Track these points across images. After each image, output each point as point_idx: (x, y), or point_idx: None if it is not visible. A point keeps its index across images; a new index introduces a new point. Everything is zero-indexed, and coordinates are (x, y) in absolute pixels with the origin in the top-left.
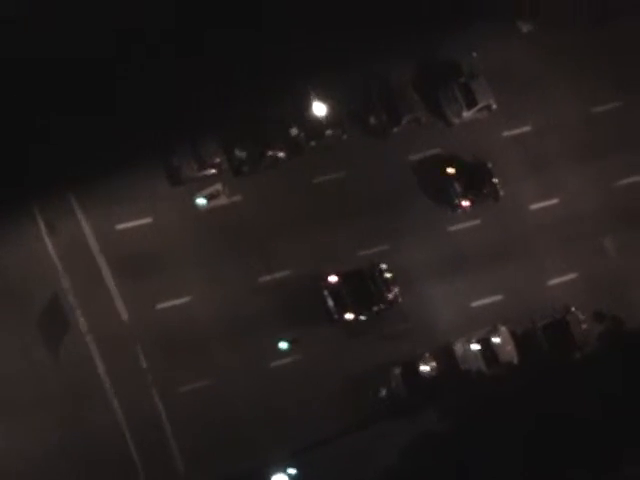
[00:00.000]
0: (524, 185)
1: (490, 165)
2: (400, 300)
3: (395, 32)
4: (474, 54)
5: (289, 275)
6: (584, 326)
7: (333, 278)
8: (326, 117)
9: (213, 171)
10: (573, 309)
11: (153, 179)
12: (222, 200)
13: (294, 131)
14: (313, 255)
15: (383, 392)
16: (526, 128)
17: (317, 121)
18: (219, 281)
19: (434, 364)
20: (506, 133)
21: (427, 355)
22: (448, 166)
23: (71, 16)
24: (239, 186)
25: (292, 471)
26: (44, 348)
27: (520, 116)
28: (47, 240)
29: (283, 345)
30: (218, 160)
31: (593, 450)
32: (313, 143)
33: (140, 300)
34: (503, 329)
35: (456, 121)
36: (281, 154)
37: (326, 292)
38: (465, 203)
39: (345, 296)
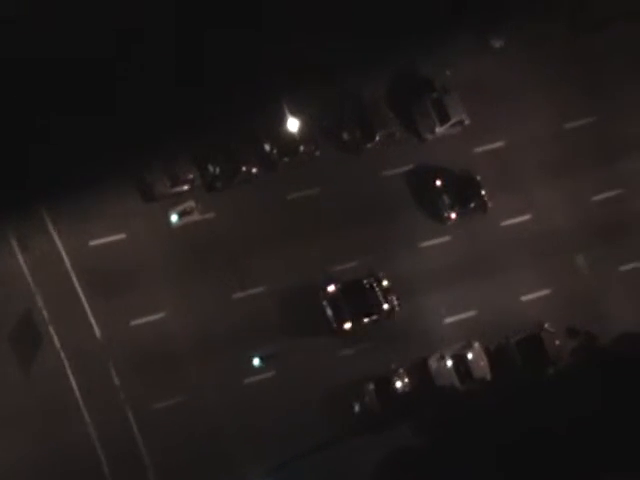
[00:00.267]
0: (497, 201)
1: (479, 178)
2: (397, 309)
3: (368, 47)
4: (447, 72)
5: (263, 291)
6: (557, 342)
7: (331, 288)
8: (299, 133)
9: (186, 187)
10: (546, 325)
11: (126, 195)
12: (195, 216)
13: (267, 147)
14: (287, 271)
15: (357, 407)
16: (499, 143)
17: (290, 137)
18: (193, 297)
19: (406, 380)
20: (479, 148)
21: (401, 370)
22: (436, 178)
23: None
24: (212, 202)
25: None
26: (17, 364)
27: (493, 131)
28: (20, 256)
29: (256, 362)
30: (191, 176)
31: (565, 465)
32: (286, 159)
33: (113, 316)
34: (476, 345)
35: (429, 137)
36: (254, 170)
37: (325, 302)
38: (453, 215)
39: (343, 306)
